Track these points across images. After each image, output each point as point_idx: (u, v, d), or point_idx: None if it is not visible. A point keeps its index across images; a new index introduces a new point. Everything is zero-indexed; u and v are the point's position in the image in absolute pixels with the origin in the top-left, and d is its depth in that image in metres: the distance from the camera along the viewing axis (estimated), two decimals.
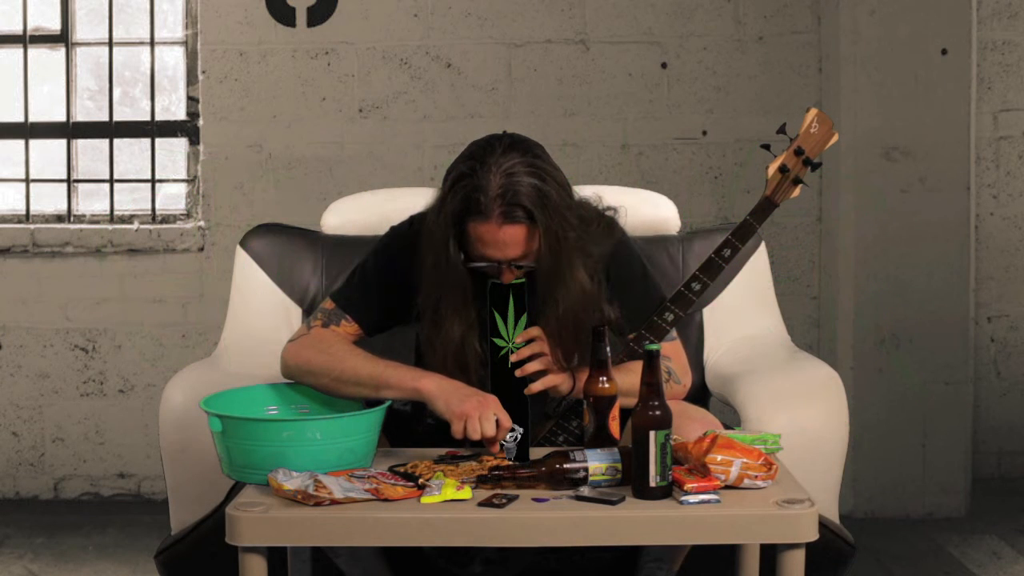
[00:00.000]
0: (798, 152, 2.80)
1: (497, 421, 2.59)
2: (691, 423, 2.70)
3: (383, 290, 2.83)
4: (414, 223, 2.85)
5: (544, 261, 2.66)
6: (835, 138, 2.83)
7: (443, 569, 2.78)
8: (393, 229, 2.91)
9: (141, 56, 4.78)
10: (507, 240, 2.64)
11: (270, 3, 4.64)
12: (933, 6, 4.38)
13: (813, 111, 2.83)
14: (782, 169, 2.80)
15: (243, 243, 3.42)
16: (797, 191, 2.82)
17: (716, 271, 2.86)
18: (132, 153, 4.81)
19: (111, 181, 4.75)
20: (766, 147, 2.84)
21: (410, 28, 4.66)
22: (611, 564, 2.86)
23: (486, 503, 2.37)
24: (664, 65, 4.66)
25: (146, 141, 4.76)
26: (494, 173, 2.62)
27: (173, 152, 4.79)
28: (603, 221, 2.86)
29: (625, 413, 2.59)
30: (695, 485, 2.38)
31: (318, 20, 4.65)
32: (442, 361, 2.74)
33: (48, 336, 4.72)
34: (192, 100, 4.72)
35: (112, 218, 4.75)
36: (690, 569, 2.85)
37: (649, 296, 2.89)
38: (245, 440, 2.47)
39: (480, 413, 2.58)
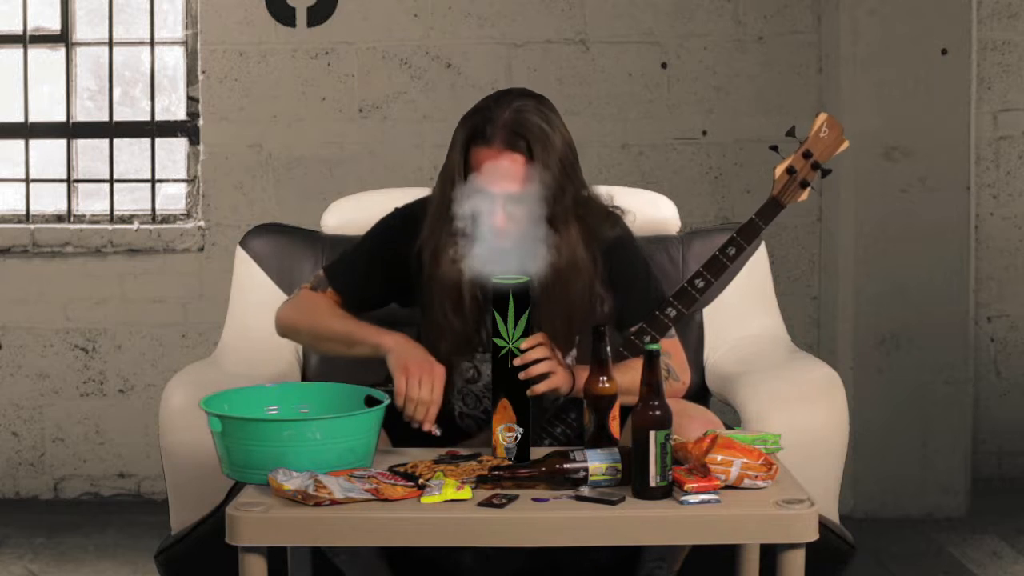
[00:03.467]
0: (806, 155, 2.80)
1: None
2: (691, 421, 2.71)
3: (372, 264, 2.90)
4: (418, 203, 2.91)
5: (538, 204, 2.69)
6: (845, 144, 2.83)
7: (432, 558, 2.78)
8: (397, 208, 2.97)
9: (141, 56, 4.78)
10: (506, 169, 2.70)
11: (270, 3, 4.64)
12: (933, 6, 4.38)
13: (823, 116, 2.83)
14: (789, 170, 2.81)
15: (243, 243, 3.43)
16: (805, 195, 2.82)
17: (720, 269, 2.86)
18: (132, 153, 4.81)
19: (111, 181, 4.75)
20: (774, 148, 2.84)
21: (410, 28, 4.66)
22: (610, 563, 2.86)
23: (486, 503, 2.37)
24: (664, 65, 4.66)
25: (146, 141, 4.76)
26: (504, 108, 2.72)
27: (173, 152, 4.79)
28: (610, 215, 2.90)
29: (625, 411, 2.59)
30: (695, 485, 2.38)
31: (318, 20, 4.65)
32: (440, 299, 2.78)
33: (48, 336, 4.72)
34: (192, 100, 4.72)
35: (112, 218, 4.75)
36: (690, 569, 2.85)
37: (650, 292, 2.91)
38: (245, 440, 2.47)
39: (421, 375, 2.65)
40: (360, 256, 2.94)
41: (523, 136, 2.70)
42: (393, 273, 2.89)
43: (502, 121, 2.71)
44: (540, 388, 2.67)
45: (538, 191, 2.70)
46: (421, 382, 2.66)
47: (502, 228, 2.69)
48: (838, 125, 2.82)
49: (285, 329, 2.95)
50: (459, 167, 2.75)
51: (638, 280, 2.92)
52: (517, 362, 2.65)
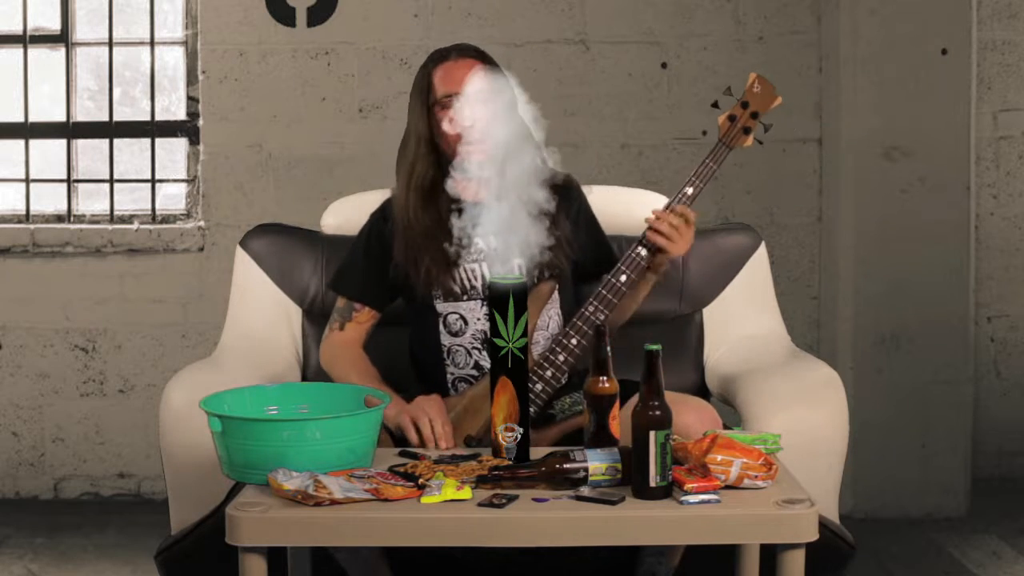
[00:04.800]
0: (744, 105, 3.09)
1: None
2: (688, 412, 2.74)
3: (372, 261, 3.06)
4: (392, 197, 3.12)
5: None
6: (779, 100, 3.11)
7: (432, 556, 2.80)
8: (374, 211, 3.16)
9: (141, 56, 4.78)
10: (462, 72, 2.97)
11: (270, 3, 4.64)
12: (933, 6, 4.38)
13: (753, 75, 3.16)
14: (731, 118, 3.09)
15: (243, 243, 3.43)
16: (749, 140, 3.09)
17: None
18: (132, 153, 4.81)
19: (111, 181, 4.75)
20: (715, 105, 3.11)
21: (410, 28, 4.66)
22: (610, 560, 2.87)
23: (486, 503, 2.37)
24: (664, 65, 4.66)
25: (146, 141, 4.76)
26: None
27: (173, 152, 4.79)
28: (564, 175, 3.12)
29: (624, 398, 2.61)
30: (695, 485, 2.38)
31: (318, 20, 4.65)
32: (404, 195, 3.05)
33: (48, 336, 4.72)
34: (192, 100, 4.72)
35: (112, 218, 4.75)
36: (690, 567, 2.86)
37: (605, 238, 3.17)
38: (245, 440, 2.47)
39: (418, 414, 2.80)
40: (358, 260, 3.10)
41: (475, 49, 3.04)
42: (388, 263, 3.03)
43: (456, 46, 3.06)
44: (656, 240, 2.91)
45: (494, 92, 2.93)
46: (422, 418, 2.81)
47: (470, 132, 2.91)
48: (769, 83, 3.13)
49: (326, 370, 3.09)
50: (421, 89, 3.01)
51: (596, 223, 3.15)
52: (657, 216, 2.94)
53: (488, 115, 2.90)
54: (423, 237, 2.98)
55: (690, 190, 3.00)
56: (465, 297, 2.98)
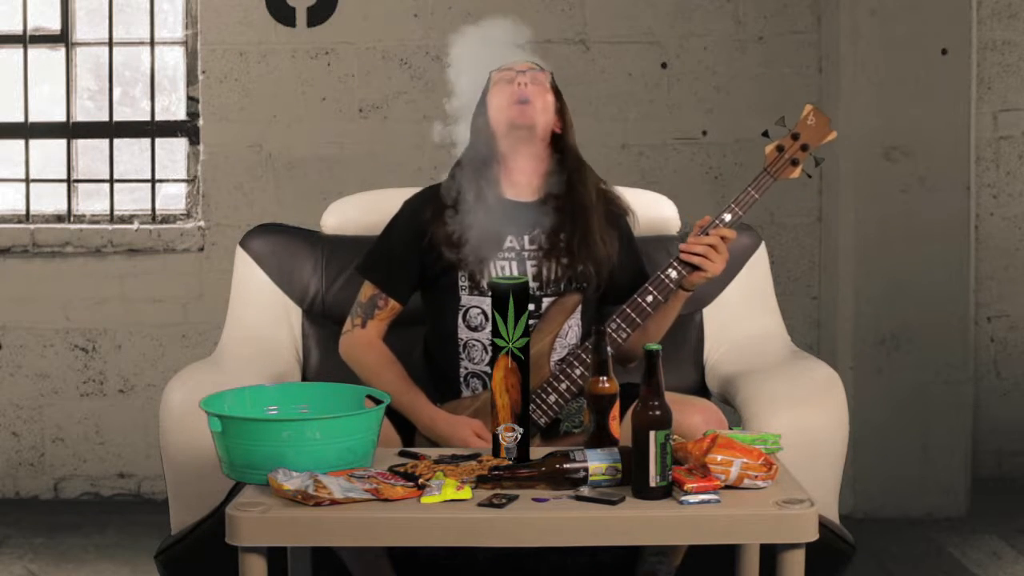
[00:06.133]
0: (795, 137, 2.99)
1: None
2: (693, 412, 2.74)
3: (406, 252, 3.01)
4: (433, 187, 3.07)
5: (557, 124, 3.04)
6: (833, 135, 3.00)
7: (433, 554, 2.80)
8: (408, 199, 3.11)
9: (141, 56, 4.78)
10: (525, 66, 3.09)
11: (270, 3, 4.64)
12: (933, 6, 4.38)
13: (809, 106, 3.01)
14: (779, 148, 3.00)
15: (243, 243, 3.43)
16: (797, 172, 3.01)
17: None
18: (132, 153, 4.81)
19: (111, 181, 4.75)
20: (765, 134, 3.02)
21: (410, 28, 4.66)
22: (611, 559, 2.87)
23: (486, 503, 2.37)
24: (664, 65, 4.66)
25: (146, 141, 4.76)
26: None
27: (173, 152, 4.79)
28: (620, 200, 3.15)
29: (625, 406, 2.59)
30: (695, 485, 2.38)
31: (318, 20, 4.65)
32: (458, 183, 3.00)
33: (48, 336, 4.72)
34: (192, 100, 4.72)
35: (112, 218, 4.75)
36: (690, 567, 2.86)
37: (643, 264, 3.14)
38: (245, 440, 2.47)
39: (471, 441, 2.81)
40: (390, 248, 3.05)
41: (538, 65, 3.09)
42: (424, 248, 2.99)
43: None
44: (692, 259, 2.91)
45: (551, 84, 3.06)
46: (474, 440, 2.83)
47: (522, 93, 3.01)
48: (825, 117, 3.00)
49: (350, 367, 3.07)
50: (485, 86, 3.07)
51: (638, 254, 3.13)
52: (689, 242, 2.91)
53: (542, 89, 3.04)
54: (468, 221, 2.95)
55: (728, 217, 2.98)
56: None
